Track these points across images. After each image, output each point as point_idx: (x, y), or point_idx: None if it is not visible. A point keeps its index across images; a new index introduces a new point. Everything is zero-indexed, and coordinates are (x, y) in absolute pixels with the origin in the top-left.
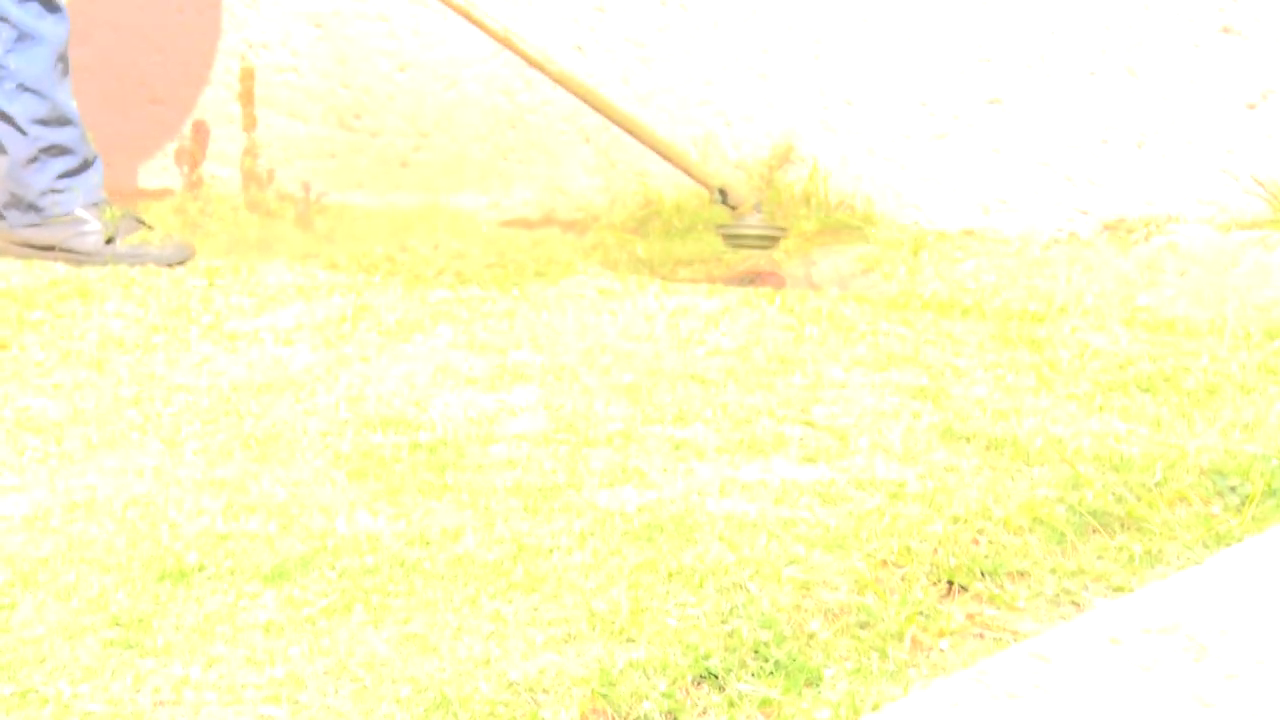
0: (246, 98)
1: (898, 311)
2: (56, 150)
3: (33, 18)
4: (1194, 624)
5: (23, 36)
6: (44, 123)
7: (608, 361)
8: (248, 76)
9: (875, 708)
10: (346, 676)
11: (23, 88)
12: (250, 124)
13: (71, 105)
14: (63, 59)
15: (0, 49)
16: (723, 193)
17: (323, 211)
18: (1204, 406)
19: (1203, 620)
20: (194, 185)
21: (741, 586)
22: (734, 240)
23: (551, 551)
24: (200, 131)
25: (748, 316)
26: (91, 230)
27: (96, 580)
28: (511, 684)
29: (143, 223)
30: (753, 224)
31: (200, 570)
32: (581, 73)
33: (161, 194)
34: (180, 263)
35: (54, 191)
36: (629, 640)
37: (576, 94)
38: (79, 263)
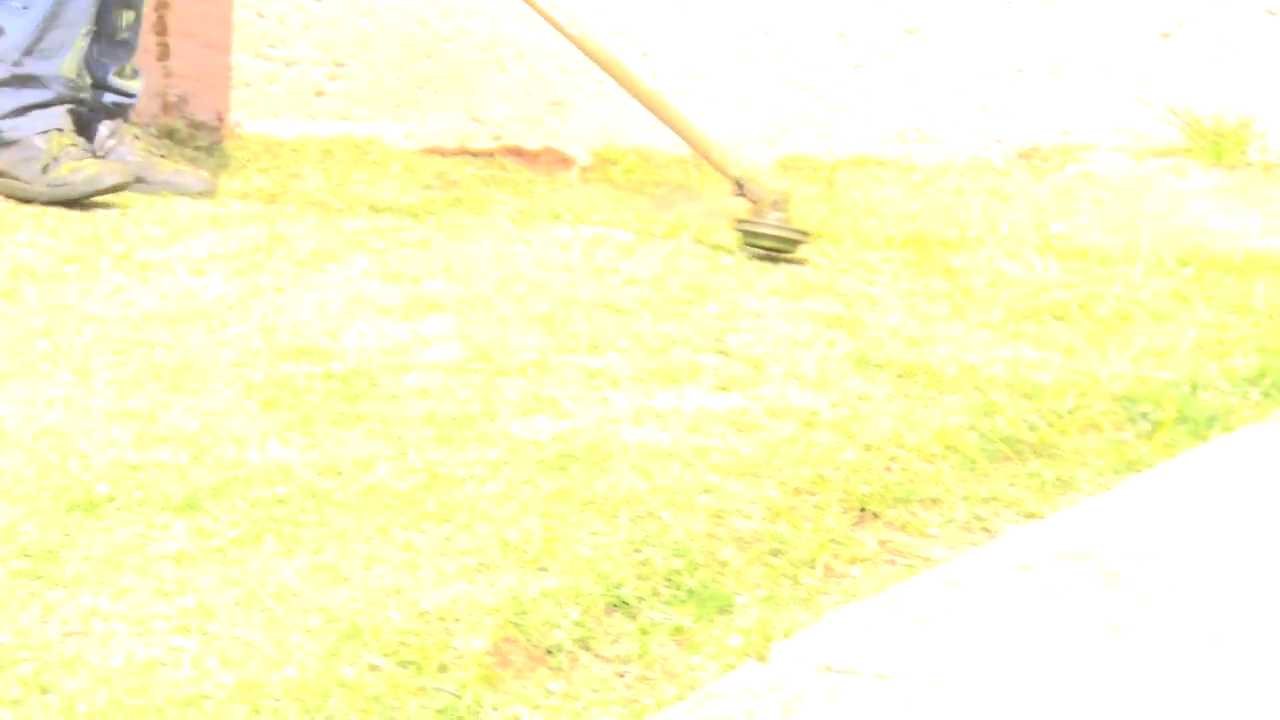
0: (160, 27)
1: (814, 240)
2: (30, 81)
3: None
4: (1105, 550)
5: None
6: (27, 52)
7: (522, 291)
8: (162, 5)
9: (787, 634)
10: (257, 607)
11: (25, 8)
12: (164, 53)
13: (72, 44)
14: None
15: None
16: (740, 185)
17: (237, 140)
18: (1116, 334)
19: (1114, 546)
20: None
21: (654, 515)
22: (750, 238)
23: (464, 481)
24: None
25: (663, 246)
26: (36, 157)
27: (4, 511)
28: (423, 613)
29: (91, 152)
30: (772, 223)
31: (110, 501)
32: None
33: None
34: (115, 189)
35: (15, 116)
36: (541, 569)
37: (597, 60)
38: (18, 190)
